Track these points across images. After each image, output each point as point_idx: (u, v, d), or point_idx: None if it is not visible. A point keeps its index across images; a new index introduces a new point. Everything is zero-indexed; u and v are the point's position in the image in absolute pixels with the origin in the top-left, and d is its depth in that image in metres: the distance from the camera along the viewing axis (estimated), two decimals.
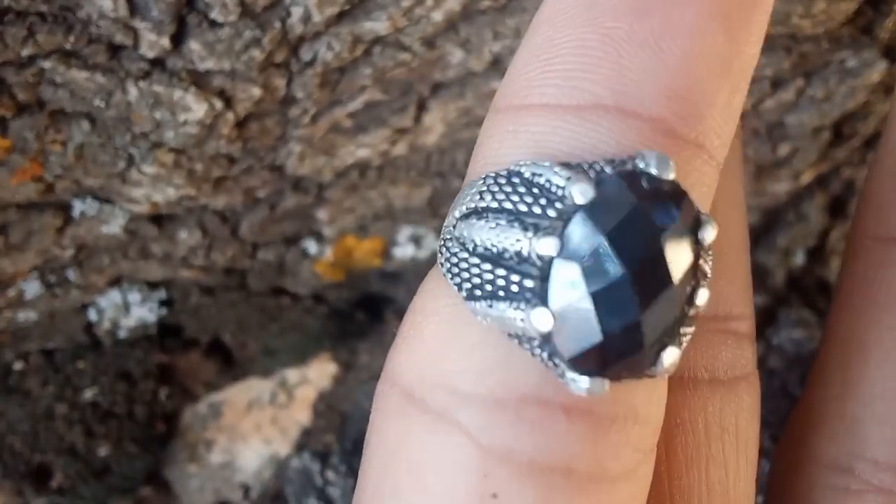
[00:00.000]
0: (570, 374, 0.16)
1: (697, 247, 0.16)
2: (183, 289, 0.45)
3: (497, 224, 0.16)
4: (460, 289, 0.17)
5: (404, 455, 0.17)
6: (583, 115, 0.16)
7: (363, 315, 0.50)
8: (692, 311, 0.16)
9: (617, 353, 0.16)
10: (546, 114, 0.16)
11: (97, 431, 0.49)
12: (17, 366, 0.46)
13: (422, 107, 0.39)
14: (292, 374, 0.51)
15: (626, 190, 0.15)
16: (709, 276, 0.17)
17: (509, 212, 0.16)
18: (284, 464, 0.53)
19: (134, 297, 0.44)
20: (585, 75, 0.16)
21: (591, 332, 0.15)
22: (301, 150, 0.39)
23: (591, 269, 0.15)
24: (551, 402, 0.16)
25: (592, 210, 0.15)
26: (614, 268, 0.15)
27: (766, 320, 0.48)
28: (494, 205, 0.16)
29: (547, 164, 0.16)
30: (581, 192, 0.15)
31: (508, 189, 0.16)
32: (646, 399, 0.17)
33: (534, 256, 0.16)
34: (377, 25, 0.34)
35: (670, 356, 0.16)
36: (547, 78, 0.16)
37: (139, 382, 0.48)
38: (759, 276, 0.51)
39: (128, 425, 0.49)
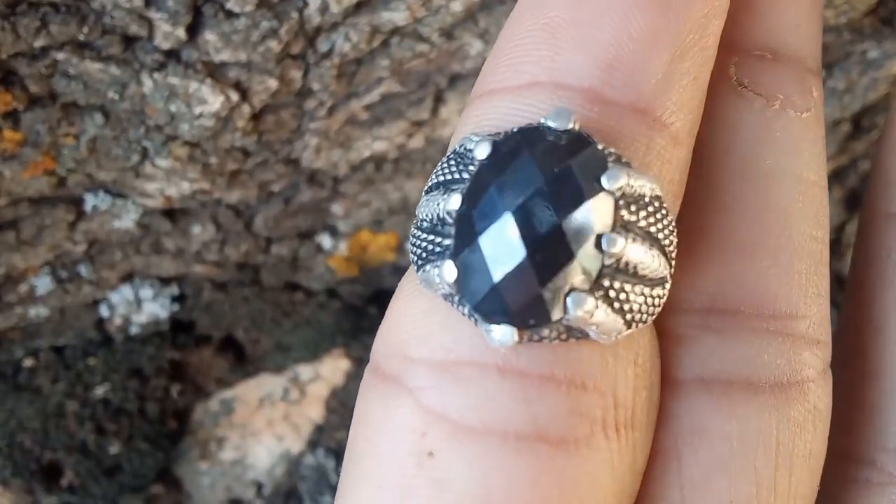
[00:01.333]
0: (485, 325, 0.16)
1: (608, 194, 0.16)
2: (196, 284, 0.45)
3: (432, 197, 0.17)
4: (413, 263, 0.18)
5: (364, 423, 0.17)
6: (520, 93, 0.17)
7: (376, 310, 0.50)
8: (608, 260, 0.16)
9: (513, 298, 0.16)
10: (490, 97, 0.18)
11: (108, 429, 0.48)
12: (28, 363, 0.46)
13: (439, 99, 0.38)
14: (305, 370, 0.51)
15: (520, 143, 0.16)
16: (641, 225, 0.17)
17: (443, 184, 0.17)
18: (297, 461, 0.53)
19: (146, 292, 0.44)
20: (525, 59, 0.17)
21: (486, 277, 0.16)
22: (317, 143, 0.38)
23: (483, 217, 0.16)
24: (486, 362, 0.16)
25: (490, 164, 0.16)
26: (500, 209, 0.16)
27: None
28: (435, 181, 0.17)
29: (468, 135, 0.17)
30: (481, 150, 0.16)
31: (445, 166, 0.17)
32: (599, 366, 0.17)
33: (447, 216, 0.17)
34: (395, 16, 0.34)
35: (578, 303, 0.16)
36: (496, 68, 0.18)
37: (151, 379, 0.47)
38: None
39: (139, 422, 0.49)
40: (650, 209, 0.17)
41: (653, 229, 0.17)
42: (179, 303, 0.45)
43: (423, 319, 0.17)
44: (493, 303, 0.16)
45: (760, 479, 0.19)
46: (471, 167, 0.17)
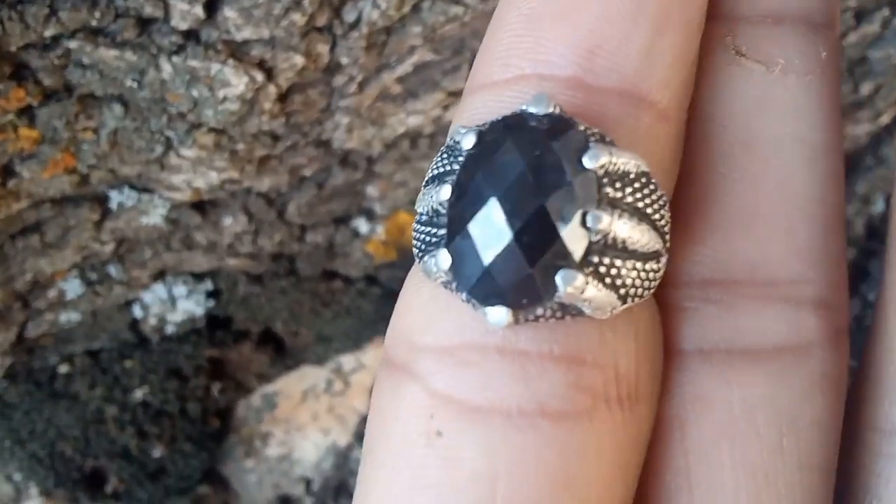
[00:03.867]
0: (481, 308, 0.17)
1: (591, 172, 0.17)
2: (230, 278, 0.43)
3: (427, 191, 0.18)
4: (416, 256, 0.18)
5: (376, 412, 0.18)
6: (508, 86, 0.18)
7: None
8: (596, 237, 0.17)
9: (504, 279, 0.16)
10: (481, 92, 0.18)
11: (150, 432, 0.47)
12: (63, 369, 0.44)
13: None
14: (347, 361, 0.49)
15: (503, 130, 0.17)
16: (628, 201, 0.17)
17: (437, 177, 0.18)
18: (345, 454, 0.51)
19: (179, 290, 0.42)
20: (511, 52, 0.18)
21: (477, 262, 0.16)
22: (348, 121, 0.36)
23: (472, 204, 0.17)
24: (487, 345, 0.17)
25: (476, 153, 0.17)
26: (486, 195, 0.16)
27: (854, 275, 0.45)
28: (430, 175, 0.18)
29: (458, 128, 0.18)
30: (467, 140, 0.17)
31: (438, 160, 0.18)
32: (598, 341, 0.18)
33: (439, 207, 0.17)
34: None
35: (568, 280, 0.16)
36: (484, 63, 0.19)
37: (190, 379, 0.46)
38: None
39: (181, 424, 0.47)
40: (636, 185, 0.17)
41: (640, 204, 0.17)
42: (215, 298, 0.43)
43: (426, 308, 0.18)
44: (485, 286, 0.16)
45: (765, 445, 0.19)
46: (460, 158, 0.17)
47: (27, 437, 0.46)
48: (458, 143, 0.17)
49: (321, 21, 0.32)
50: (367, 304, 0.46)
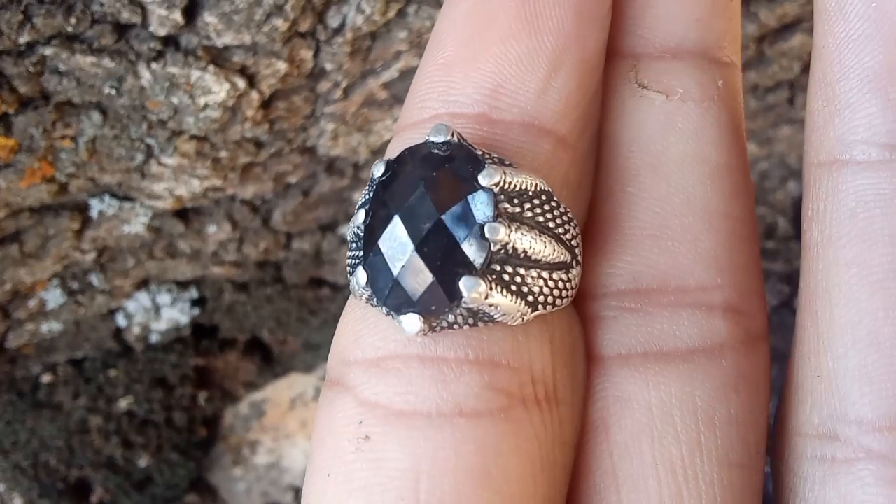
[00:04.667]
0: (396, 318, 0.18)
1: (486, 189, 0.18)
2: (215, 286, 0.42)
3: (351, 218, 0.20)
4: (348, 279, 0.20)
5: (316, 425, 0.20)
6: (424, 125, 0.20)
7: None
8: (496, 247, 0.18)
9: (412, 288, 0.18)
10: (403, 132, 0.21)
11: (135, 442, 0.46)
12: (46, 378, 0.44)
13: None
14: None
15: (407, 157, 0.19)
16: (528, 216, 0.19)
17: (360, 206, 0.19)
18: None
19: (163, 298, 0.41)
20: (427, 96, 0.21)
21: (387, 274, 0.18)
22: (333, 128, 0.35)
23: (380, 223, 0.18)
24: (409, 354, 0.19)
25: (385, 179, 0.19)
26: (391, 214, 0.18)
27: None
28: (356, 206, 0.20)
29: (376, 162, 0.20)
30: (377, 169, 0.19)
31: (363, 192, 0.20)
32: (510, 346, 0.19)
33: (357, 230, 0.19)
34: None
35: (469, 286, 0.17)
36: (407, 107, 0.21)
37: (176, 388, 0.45)
38: None
39: (167, 433, 0.46)
40: (536, 202, 0.19)
41: (542, 218, 0.19)
42: (200, 307, 0.42)
43: (355, 326, 0.19)
44: (397, 296, 0.18)
45: (683, 442, 0.20)
46: (374, 186, 0.19)
47: (10, 448, 0.45)
48: (372, 172, 0.19)
49: (304, 26, 0.31)
50: None
